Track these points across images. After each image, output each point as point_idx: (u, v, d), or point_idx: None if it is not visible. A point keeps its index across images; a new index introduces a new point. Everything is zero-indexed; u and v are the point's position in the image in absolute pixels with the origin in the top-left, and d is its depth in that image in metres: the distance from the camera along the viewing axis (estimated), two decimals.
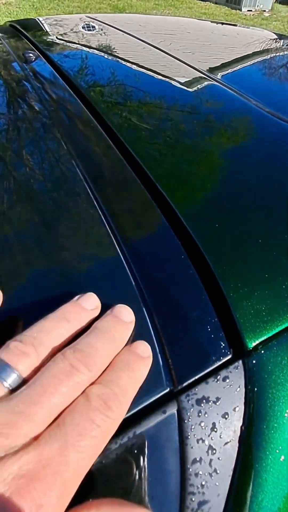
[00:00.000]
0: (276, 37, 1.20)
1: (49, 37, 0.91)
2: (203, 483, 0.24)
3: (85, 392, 0.22)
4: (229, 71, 0.75)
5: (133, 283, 0.30)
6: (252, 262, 0.31)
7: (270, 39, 1.15)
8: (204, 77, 0.67)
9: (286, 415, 0.26)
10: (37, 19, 1.11)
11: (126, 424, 0.24)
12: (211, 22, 1.66)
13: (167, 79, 0.66)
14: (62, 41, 0.87)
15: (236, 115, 0.55)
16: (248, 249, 0.33)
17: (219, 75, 0.70)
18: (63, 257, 0.32)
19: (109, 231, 0.34)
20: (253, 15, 8.08)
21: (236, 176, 0.42)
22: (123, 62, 0.75)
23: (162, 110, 0.56)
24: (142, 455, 0.24)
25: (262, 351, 0.27)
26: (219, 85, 0.64)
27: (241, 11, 8.05)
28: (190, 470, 0.24)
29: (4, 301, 0.28)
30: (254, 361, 0.27)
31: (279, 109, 0.56)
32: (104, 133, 0.48)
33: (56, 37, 0.91)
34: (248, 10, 8.14)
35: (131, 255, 0.32)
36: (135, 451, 0.24)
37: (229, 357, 0.27)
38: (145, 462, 0.24)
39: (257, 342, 0.27)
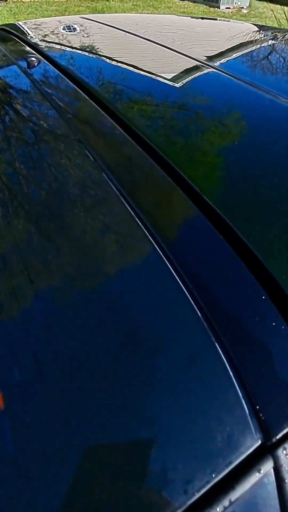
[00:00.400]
0: (258, 28, 1.18)
1: (48, 38, 0.87)
2: None
3: None
4: (225, 60, 0.73)
5: (205, 325, 0.26)
6: None
7: (254, 31, 1.13)
8: (205, 66, 0.65)
9: None
10: (27, 22, 1.07)
11: (219, 491, 0.20)
12: (191, 17, 1.63)
13: (171, 70, 0.62)
14: (61, 42, 0.83)
15: (241, 98, 0.52)
16: None
17: (217, 64, 0.67)
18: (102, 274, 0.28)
19: (147, 233, 0.30)
20: (231, 12, 8.11)
21: (258, 162, 0.38)
22: (128, 57, 0.71)
23: (172, 98, 0.53)
24: None
25: None
26: (220, 72, 0.61)
27: (219, 8, 8.07)
28: None
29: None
30: None
31: (278, 89, 0.54)
32: (124, 132, 0.45)
33: (54, 38, 0.87)
34: (226, 8, 8.17)
35: (173, 255, 0.28)
36: None
37: None
38: None
39: None
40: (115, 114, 0.49)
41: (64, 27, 0.99)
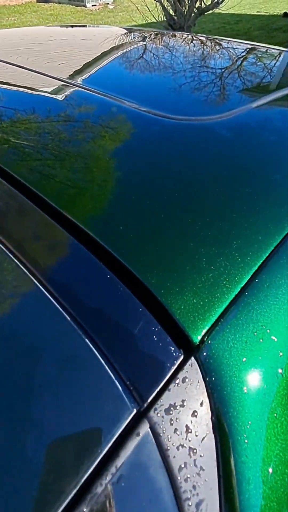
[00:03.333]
0: (126, 31, 1.24)
1: None
2: (194, 484, 0.25)
3: None
4: (88, 74, 0.76)
5: (67, 317, 0.29)
6: (172, 260, 0.33)
7: (122, 34, 1.19)
8: (67, 85, 0.67)
9: (245, 391, 0.27)
10: None
11: (106, 461, 0.24)
12: (61, 26, 1.64)
13: (31, 93, 0.64)
14: None
15: (100, 114, 0.55)
16: (165, 248, 0.34)
17: (79, 80, 0.70)
18: None
19: (22, 267, 0.33)
20: (98, 9, 8.21)
21: (129, 175, 0.42)
22: None
23: (36, 125, 0.54)
24: (130, 485, 0.24)
25: (209, 341, 0.28)
26: (82, 89, 0.64)
27: (86, 7, 8.12)
28: (179, 478, 0.24)
29: None
30: (204, 353, 0.28)
31: (138, 100, 0.58)
32: None
33: None
34: (92, 5, 8.25)
35: (53, 286, 0.31)
36: (123, 484, 0.23)
37: (182, 358, 0.28)
38: (135, 490, 0.24)
39: (201, 334, 0.28)
40: None
41: None
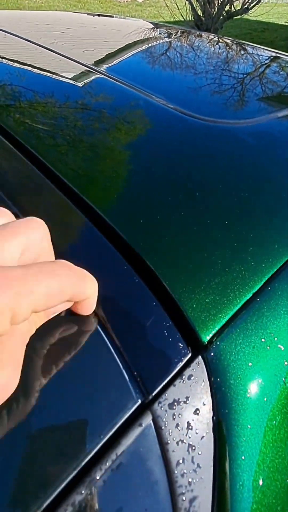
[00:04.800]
0: (154, 26, 1.24)
1: None
2: (190, 480, 0.25)
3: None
4: (118, 65, 0.76)
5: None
6: (189, 260, 0.33)
7: (150, 28, 1.18)
8: (92, 71, 0.67)
9: (248, 395, 0.28)
10: None
11: (107, 447, 0.24)
12: (88, 14, 1.64)
13: (56, 77, 0.64)
14: None
15: (126, 106, 0.56)
16: (183, 248, 0.34)
17: (110, 71, 0.70)
18: None
19: None
20: (127, 1, 8.18)
21: (153, 170, 0.43)
22: (8, 63, 0.71)
23: (58, 109, 0.54)
24: (128, 473, 0.24)
25: (217, 342, 0.29)
26: (114, 81, 0.64)
27: None
28: (176, 472, 0.25)
29: None
30: (212, 353, 0.28)
31: (165, 96, 0.59)
32: (7, 142, 0.46)
33: None
34: None
35: None
36: (121, 471, 0.24)
37: (189, 355, 0.28)
38: (132, 479, 0.24)
39: (210, 335, 0.29)
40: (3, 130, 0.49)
41: None
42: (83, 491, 0.23)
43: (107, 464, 0.24)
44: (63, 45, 0.83)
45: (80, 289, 0.26)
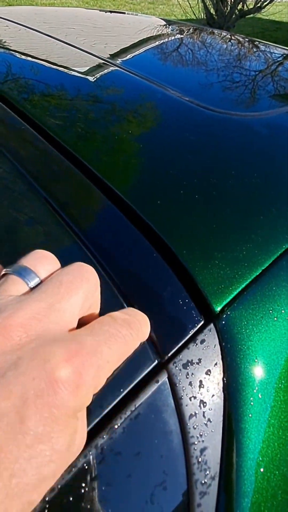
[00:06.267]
0: (167, 22, 1.26)
1: None
2: (201, 433, 0.28)
3: (109, 314, 0.24)
4: (133, 59, 0.78)
5: (101, 271, 0.32)
6: (204, 235, 0.35)
7: (163, 25, 1.20)
8: (108, 64, 0.70)
9: (255, 360, 0.30)
10: None
11: (127, 400, 0.27)
12: (100, 11, 1.66)
13: (73, 69, 0.66)
14: None
15: (145, 97, 0.58)
16: (197, 217, 0.37)
17: (119, 61, 0.72)
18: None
19: (64, 224, 0.36)
20: None
21: (166, 150, 0.45)
22: (26, 56, 0.73)
23: (76, 99, 0.57)
24: (145, 423, 0.26)
25: (228, 312, 0.31)
26: (122, 70, 0.67)
27: None
28: (189, 424, 0.27)
29: None
30: (223, 322, 0.31)
31: (181, 89, 0.61)
32: (33, 130, 0.48)
33: None
34: None
35: (89, 243, 0.34)
36: (139, 421, 0.26)
37: (202, 322, 0.30)
38: (149, 428, 0.26)
39: (222, 305, 0.31)
40: (23, 113, 0.52)
41: None
42: (105, 436, 0.25)
43: (127, 414, 0.26)
44: (84, 40, 0.86)
45: (141, 339, 0.26)
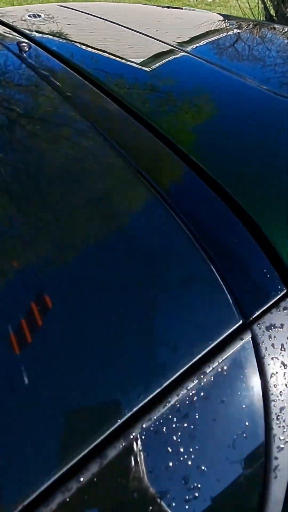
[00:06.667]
0: (223, 18, 1.26)
1: (38, 26, 0.91)
2: (280, 391, 0.29)
3: None
4: (196, 45, 0.81)
5: (192, 238, 0.34)
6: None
7: (220, 20, 1.21)
8: (179, 50, 0.73)
9: None
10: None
11: (215, 352, 0.29)
12: (157, 6, 1.68)
13: (151, 55, 0.70)
14: (43, 30, 0.88)
15: (225, 85, 0.61)
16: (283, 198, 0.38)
17: (189, 49, 0.75)
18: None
19: (151, 189, 0.39)
20: (196, 0, 8.16)
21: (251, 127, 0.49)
22: (107, 42, 0.77)
23: (161, 77, 0.60)
24: (230, 375, 0.28)
25: None
26: (193, 56, 0.70)
27: None
28: (270, 382, 0.29)
29: None
30: None
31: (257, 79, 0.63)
32: (121, 109, 0.52)
33: (40, 26, 0.91)
34: None
35: (182, 212, 0.37)
36: (224, 372, 0.28)
37: (285, 291, 0.32)
38: (233, 381, 0.28)
39: None
40: (110, 93, 0.55)
41: (44, 14, 1.03)
42: (195, 380, 0.28)
43: (214, 365, 0.28)
44: (155, 31, 0.89)
45: None
